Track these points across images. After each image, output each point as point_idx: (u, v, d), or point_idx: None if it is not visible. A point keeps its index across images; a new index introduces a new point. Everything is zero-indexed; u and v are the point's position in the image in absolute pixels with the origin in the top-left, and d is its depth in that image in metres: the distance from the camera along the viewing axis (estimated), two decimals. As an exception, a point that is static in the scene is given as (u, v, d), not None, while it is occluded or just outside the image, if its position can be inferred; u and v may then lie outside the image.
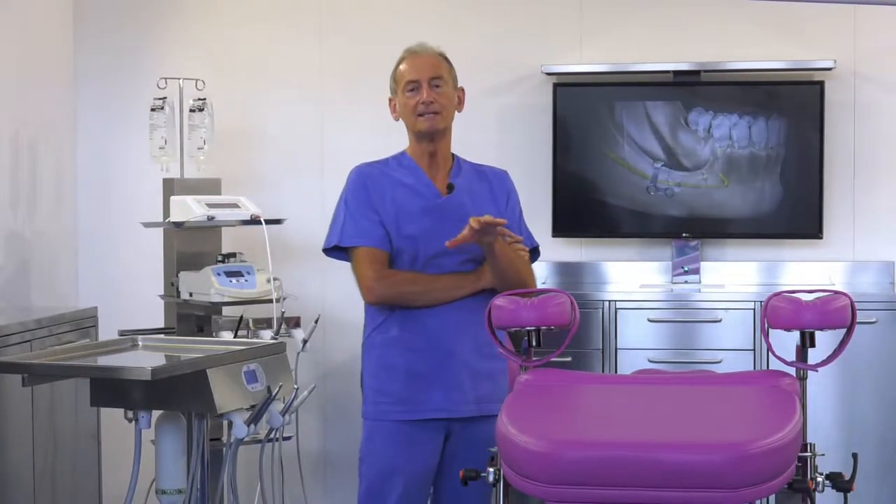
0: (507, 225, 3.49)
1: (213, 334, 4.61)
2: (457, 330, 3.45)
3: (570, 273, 5.47)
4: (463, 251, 3.44)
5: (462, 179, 3.54)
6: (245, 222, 4.78)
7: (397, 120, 3.55)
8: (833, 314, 2.94)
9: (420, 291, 3.44)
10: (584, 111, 5.38)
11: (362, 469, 3.53)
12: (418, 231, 3.44)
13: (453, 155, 3.59)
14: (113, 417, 4.10)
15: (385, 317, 3.49)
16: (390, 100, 3.57)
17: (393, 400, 3.47)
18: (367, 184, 3.49)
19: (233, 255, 4.84)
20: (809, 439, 2.96)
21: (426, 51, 3.52)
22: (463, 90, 3.58)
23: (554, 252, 5.47)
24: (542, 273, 5.45)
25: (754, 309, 4.91)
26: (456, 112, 3.56)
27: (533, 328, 3.12)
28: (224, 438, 4.55)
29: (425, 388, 3.45)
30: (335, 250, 3.53)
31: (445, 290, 3.45)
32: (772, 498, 2.96)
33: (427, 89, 3.45)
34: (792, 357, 3.05)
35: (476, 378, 3.48)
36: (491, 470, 2.95)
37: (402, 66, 3.51)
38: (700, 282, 5.34)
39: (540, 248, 3.69)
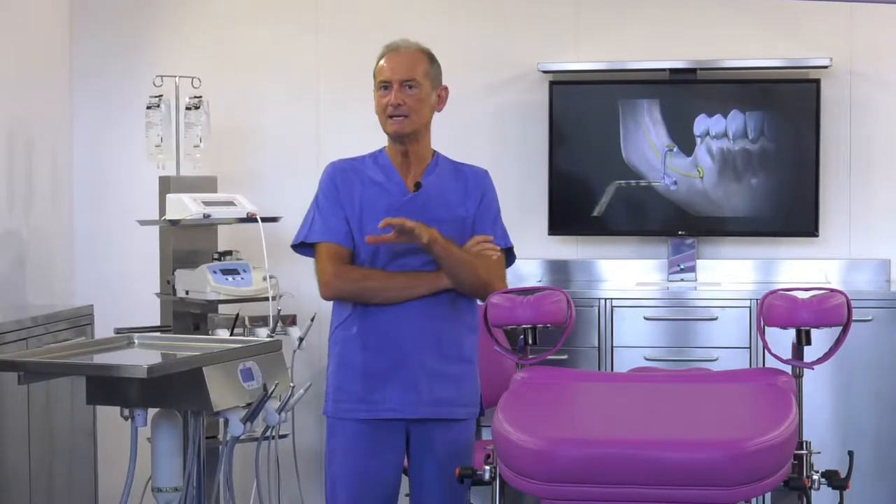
0: (474, 223, 3.47)
1: (210, 332, 4.60)
2: (414, 330, 3.42)
3: (566, 271, 5.47)
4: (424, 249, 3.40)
5: (435, 178, 3.49)
6: (241, 220, 4.78)
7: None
8: (829, 312, 2.94)
9: (376, 288, 3.41)
10: (580, 109, 5.37)
11: (326, 466, 3.53)
12: (382, 229, 3.38)
13: (434, 152, 3.54)
14: (109, 415, 4.11)
15: (347, 314, 3.48)
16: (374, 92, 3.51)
17: (351, 398, 3.46)
18: (336, 180, 3.48)
19: (229, 252, 4.84)
20: (805, 437, 2.97)
21: (406, 48, 3.45)
22: (446, 89, 3.51)
23: (550, 250, 5.48)
24: (538, 271, 5.45)
25: (750, 307, 4.91)
26: (435, 112, 3.50)
27: (529, 326, 3.12)
28: (220, 436, 4.54)
29: (381, 386, 3.43)
30: (304, 247, 3.51)
31: (403, 288, 3.41)
32: (768, 496, 2.97)
33: (397, 91, 3.39)
34: (788, 355, 3.05)
35: (434, 380, 3.44)
36: (487, 468, 2.95)
37: (380, 63, 3.46)
38: (696, 280, 5.34)
39: (515, 248, 3.60)
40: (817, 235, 5.27)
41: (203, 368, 3.22)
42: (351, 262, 3.45)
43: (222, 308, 4.71)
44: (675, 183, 5.31)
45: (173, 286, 4.85)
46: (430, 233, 3.35)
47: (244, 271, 4.70)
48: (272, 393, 3.33)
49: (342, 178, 3.48)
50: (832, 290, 3.00)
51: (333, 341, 3.53)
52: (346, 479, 3.46)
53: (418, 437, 3.47)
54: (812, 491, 2.88)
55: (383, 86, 3.43)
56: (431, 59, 3.49)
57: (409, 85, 3.42)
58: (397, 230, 3.31)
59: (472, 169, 3.59)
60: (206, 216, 4.71)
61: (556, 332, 3.17)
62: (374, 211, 3.43)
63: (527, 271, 5.45)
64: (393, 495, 3.50)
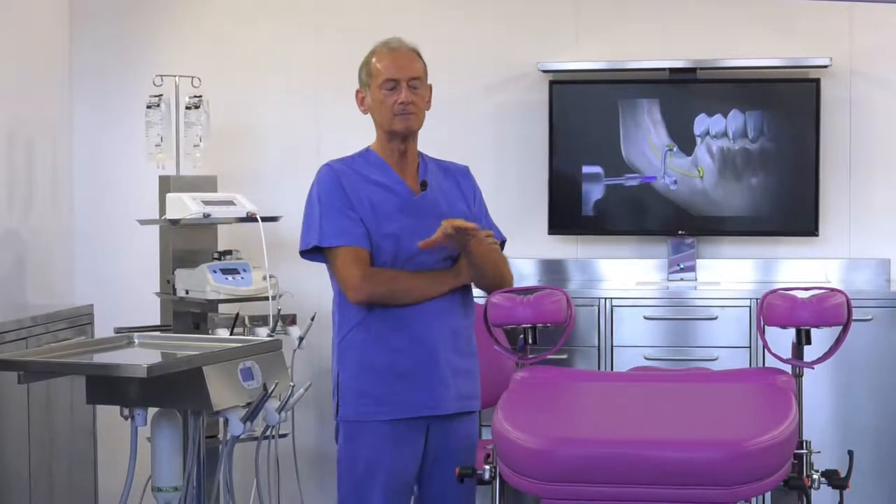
0: (475, 219, 3.47)
1: (210, 332, 4.60)
2: (437, 327, 3.42)
3: (565, 270, 5.47)
4: (441, 248, 3.39)
5: (431, 176, 3.49)
6: (241, 220, 4.78)
7: (366, 113, 3.49)
8: (829, 311, 2.94)
9: (407, 289, 3.39)
10: (580, 109, 5.37)
11: (342, 471, 3.49)
12: (398, 229, 3.39)
13: (419, 152, 3.53)
14: (109, 415, 4.11)
15: (363, 315, 3.42)
16: (357, 92, 3.49)
17: (375, 401, 3.41)
18: (341, 181, 3.42)
19: (229, 252, 4.84)
20: (805, 437, 2.97)
21: (404, 47, 3.45)
22: (431, 87, 3.50)
23: (550, 250, 5.48)
24: (537, 270, 5.45)
25: (750, 306, 4.91)
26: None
27: (529, 325, 3.12)
28: (220, 436, 4.55)
29: (409, 387, 3.41)
30: (310, 252, 3.45)
31: (429, 286, 3.40)
32: (768, 495, 2.97)
33: (407, 89, 3.39)
34: (788, 354, 3.05)
35: (457, 374, 3.45)
36: (487, 467, 2.95)
37: (377, 62, 3.43)
38: (696, 279, 5.34)
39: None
40: (817, 235, 5.27)
41: (203, 368, 3.22)
42: (372, 264, 3.41)
43: (222, 307, 4.71)
44: (675, 182, 5.31)
45: (173, 286, 4.85)
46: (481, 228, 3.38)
47: (244, 271, 4.70)
48: (272, 392, 3.33)
49: (346, 180, 3.43)
50: (832, 290, 3.00)
51: (348, 344, 3.46)
52: (377, 482, 3.41)
53: (438, 432, 3.45)
54: (812, 490, 2.88)
55: (390, 86, 3.40)
56: (421, 58, 3.49)
57: (415, 85, 3.42)
58: (455, 233, 3.29)
59: (457, 166, 3.60)
60: (206, 216, 4.71)
61: (555, 332, 3.17)
62: (386, 211, 3.41)
63: (526, 271, 5.44)
64: (410, 495, 3.50)
